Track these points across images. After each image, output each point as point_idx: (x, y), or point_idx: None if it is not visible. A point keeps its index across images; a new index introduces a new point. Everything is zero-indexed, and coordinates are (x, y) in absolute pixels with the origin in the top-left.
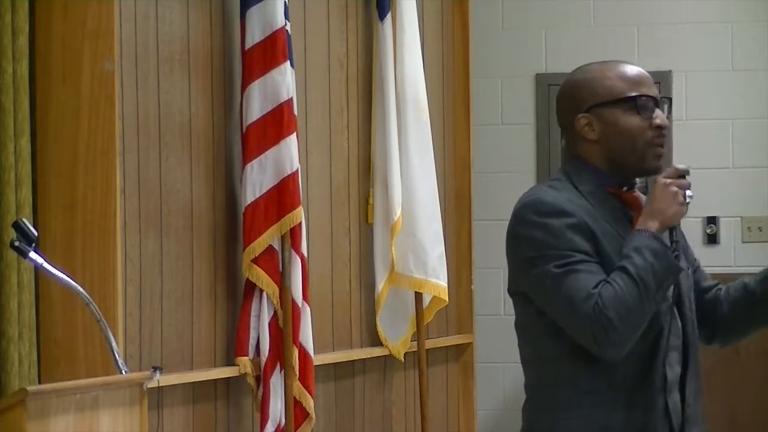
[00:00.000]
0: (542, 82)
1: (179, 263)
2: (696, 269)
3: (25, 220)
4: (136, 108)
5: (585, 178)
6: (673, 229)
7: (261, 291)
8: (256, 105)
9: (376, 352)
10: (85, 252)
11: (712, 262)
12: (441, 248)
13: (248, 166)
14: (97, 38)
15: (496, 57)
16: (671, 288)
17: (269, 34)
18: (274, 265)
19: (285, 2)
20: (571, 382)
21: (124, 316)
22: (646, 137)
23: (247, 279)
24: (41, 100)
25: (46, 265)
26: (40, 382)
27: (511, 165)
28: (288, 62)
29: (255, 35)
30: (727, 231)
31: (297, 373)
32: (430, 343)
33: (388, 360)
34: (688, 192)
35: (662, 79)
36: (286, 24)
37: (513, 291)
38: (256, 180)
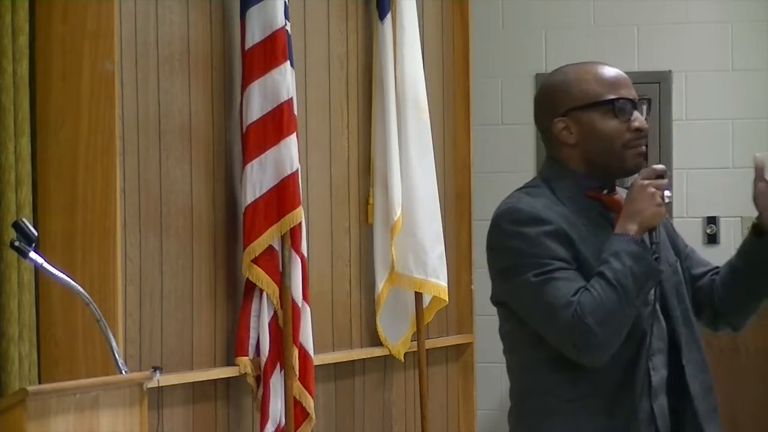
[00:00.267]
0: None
1: (179, 263)
2: (687, 257)
3: (25, 220)
4: (136, 108)
5: (564, 182)
6: (652, 230)
7: (261, 291)
8: (256, 105)
9: (376, 352)
10: (85, 252)
11: (712, 262)
12: (441, 248)
13: (248, 166)
14: (97, 38)
15: (496, 57)
16: (653, 290)
17: (269, 34)
18: (274, 265)
19: (285, 2)
20: (553, 389)
21: (124, 316)
22: (624, 140)
23: (247, 279)
24: (41, 100)
25: (46, 265)
26: (40, 382)
27: (511, 165)
28: (288, 62)
29: (255, 35)
30: (727, 231)
31: (297, 373)
32: (430, 343)
33: (388, 360)
34: (666, 192)
35: (662, 79)
36: (286, 24)
37: (495, 301)
38: (256, 180)
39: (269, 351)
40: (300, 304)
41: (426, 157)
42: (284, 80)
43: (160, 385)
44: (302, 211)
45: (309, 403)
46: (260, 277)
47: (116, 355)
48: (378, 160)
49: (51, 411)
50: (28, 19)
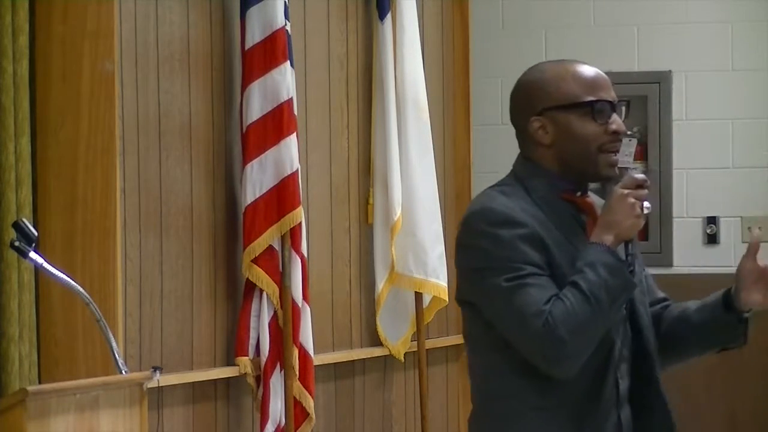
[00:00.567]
0: None
1: (179, 263)
2: (645, 277)
3: (25, 220)
4: (136, 108)
5: (537, 183)
6: (629, 241)
7: (261, 291)
8: (256, 105)
9: (376, 352)
10: (85, 252)
11: (712, 262)
12: (441, 248)
13: (248, 166)
14: (97, 38)
15: (496, 57)
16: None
17: (269, 34)
18: (274, 265)
19: (285, 2)
20: (519, 396)
21: (124, 316)
22: (600, 143)
23: (247, 279)
24: (41, 100)
25: (46, 265)
26: (40, 382)
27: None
28: (288, 62)
29: (255, 35)
30: (727, 231)
31: (297, 373)
32: (430, 343)
33: (388, 360)
34: (645, 204)
35: (662, 79)
36: (286, 24)
37: (460, 300)
38: (256, 180)
39: (269, 351)
40: (300, 304)
41: (426, 157)
42: (284, 80)
43: (160, 385)
44: (302, 211)
45: (309, 403)
46: (260, 277)
47: (116, 355)
48: (378, 160)
49: (51, 411)
50: (28, 19)
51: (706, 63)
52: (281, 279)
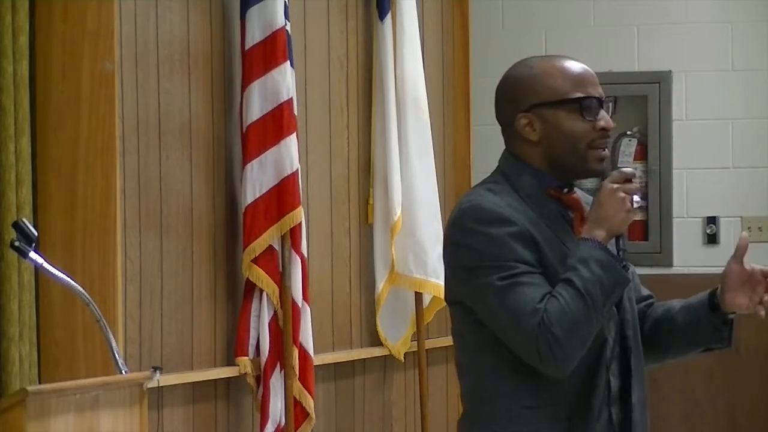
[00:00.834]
0: None
1: (179, 263)
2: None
3: (25, 220)
4: (136, 108)
5: (525, 180)
6: (619, 236)
7: (261, 291)
8: (256, 105)
9: (376, 352)
10: (85, 252)
11: (712, 262)
12: (441, 248)
13: (248, 165)
14: (97, 38)
15: (496, 57)
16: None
17: (269, 34)
18: (274, 265)
19: (285, 2)
20: (512, 395)
21: (124, 316)
22: (589, 139)
23: (247, 279)
24: (41, 100)
25: (46, 265)
26: (40, 382)
27: None
28: (288, 62)
29: (255, 35)
30: (727, 231)
31: (297, 373)
32: (430, 343)
33: (388, 360)
34: (635, 197)
35: (662, 79)
36: (286, 24)
37: (450, 299)
38: (256, 180)
39: (269, 351)
40: (300, 304)
41: (426, 157)
42: (284, 80)
43: (160, 385)
44: (302, 211)
45: (309, 403)
46: (260, 277)
47: (116, 355)
48: (378, 160)
49: (51, 411)
50: (28, 19)
51: (707, 63)
52: (281, 279)
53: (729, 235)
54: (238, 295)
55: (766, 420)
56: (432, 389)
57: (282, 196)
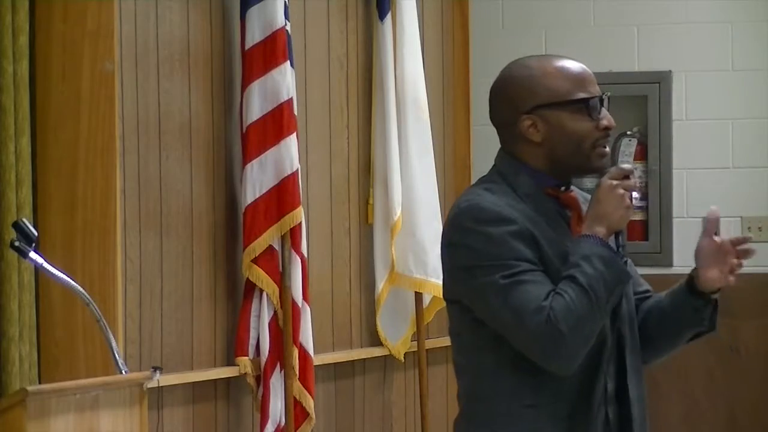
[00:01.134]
0: None
1: (179, 263)
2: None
3: (25, 220)
4: (136, 108)
5: (522, 179)
6: (618, 233)
7: (261, 291)
8: (256, 105)
9: (376, 352)
10: (85, 252)
11: None
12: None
13: (248, 165)
14: (97, 38)
15: (496, 57)
16: None
17: (269, 34)
18: (274, 265)
19: (285, 2)
20: (511, 394)
21: (124, 316)
22: (593, 139)
23: (247, 279)
24: (41, 100)
25: (46, 265)
26: (40, 382)
27: None
28: (288, 62)
29: (255, 35)
30: (727, 231)
31: (297, 373)
32: (430, 343)
33: (388, 360)
34: (634, 194)
35: (662, 79)
36: (286, 24)
37: (448, 299)
38: (256, 180)
39: (269, 351)
40: (300, 304)
41: (426, 157)
42: (284, 80)
43: (160, 385)
44: (302, 210)
45: (309, 403)
46: (260, 277)
47: (116, 355)
48: (378, 160)
49: (51, 411)
50: (28, 19)
51: (707, 63)
52: (281, 279)
53: (729, 235)
54: (238, 295)
55: (766, 420)
56: (432, 389)
57: (282, 196)
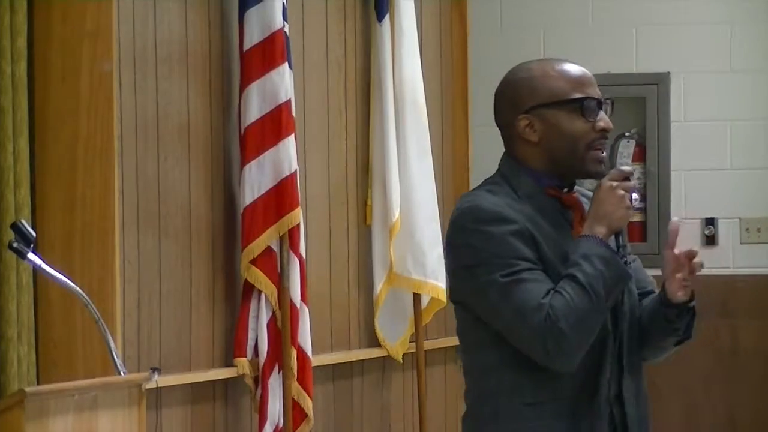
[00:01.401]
0: None
1: (178, 264)
2: (633, 261)
3: (23, 221)
4: (134, 109)
5: (523, 180)
6: (619, 233)
7: (259, 292)
8: (255, 106)
9: (375, 353)
10: (83, 253)
11: (710, 263)
12: (439, 249)
13: (247, 167)
14: (95, 39)
15: (494, 58)
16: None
17: (268, 35)
18: (273, 266)
19: (283, 4)
20: (514, 392)
21: (122, 317)
22: (589, 140)
23: (246, 280)
24: (40, 100)
25: (44, 266)
26: (38, 383)
27: None
28: (286, 63)
29: (253, 36)
30: (725, 232)
31: (295, 374)
32: (428, 344)
33: (387, 361)
34: (634, 195)
35: (660, 80)
36: (284, 25)
37: (453, 299)
38: (255, 181)
39: (267, 352)
40: (298, 305)
41: (424, 159)
42: (282, 81)
43: (159, 386)
44: (301, 212)
45: (307, 404)
46: (258, 278)
47: (115, 356)
48: (376, 162)
49: (49, 412)
50: (26, 20)
51: (705, 64)
52: (279, 280)
53: (727, 236)
54: (237, 296)
55: (765, 420)
56: (430, 390)
57: (280, 197)
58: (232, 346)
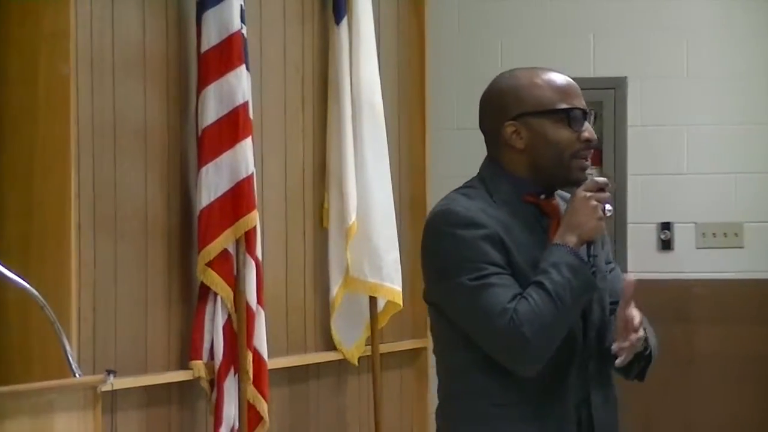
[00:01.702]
0: None
1: (134, 266)
2: (611, 270)
3: None
4: (91, 111)
5: (502, 186)
6: (591, 243)
7: (215, 295)
8: (212, 108)
9: (331, 356)
10: (40, 255)
11: (666, 268)
12: (396, 253)
13: (203, 169)
14: (53, 42)
15: (452, 61)
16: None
17: (225, 37)
18: (229, 268)
19: (241, 5)
20: (482, 393)
21: (78, 319)
22: (573, 149)
23: (202, 282)
24: None
25: (0, 268)
26: None
27: (467, 170)
28: (244, 66)
29: (211, 38)
30: (681, 237)
31: (251, 377)
32: (384, 348)
33: (343, 364)
34: (607, 206)
35: (617, 85)
36: (242, 27)
37: (426, 300)
38: (212, 183)
39: (223, 355)
40: (254, 308)
41: (381, 162)
42: (240, 84)
43: (114, 388)
44: (257, 214)
45: (263, 407)
46: (215, 280)
47: (70, 359)
48: (333, 165)
49: (5, 414)
50: None
51: (662, 69)
52: (236, 283)
53: (683, 241)
54: (193, 299)
55: (721, 427)
56: (386, 394)
57: (237, 199)
58: (188, 348)
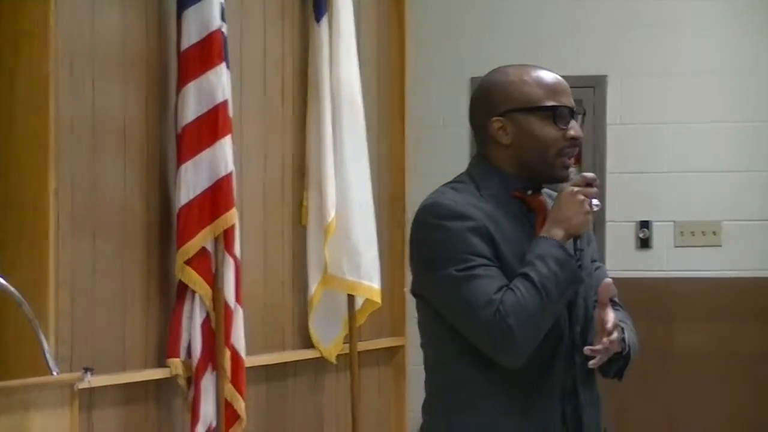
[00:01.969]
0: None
1: (112, 264)
2: (597, 269)
3: None
4: (71, 109)
5: (490, 181)
6: (577, 237)
7: (194, 292)
8: (191, 106)
9: (309, 354)
10: (18, 252)
11: (644, 266)
12: (375, 251)
13: (182, 167)
14: (32, 39)
15: (432, 59)
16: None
17: (205, 35)
18: (207, 266)
19: (222, 3)
20: (468, 384)
21: (56, 317)
22: (559, 147)
23: (180, 280)
24: None
25: None
26: None
27: (447, 168)
28: (224, 63)
29: (191, 36)
30: (659, 235)
31: (229, 374)
32: (362, 346)
33: (320, 362)
34: (594, 201)
35: (597, 83)
36: (222, 25)
37: (414, 292)
38: (191, 181)
39: (201, 353)
40: (233, 306)
41: (361, 160)
42: (220, 82)
43: (92, 386)
44: (236, 212)
45: (240, 405)
46: (193, 278)
47: (47, 356)
48: (312, 162)
49: None
50: None
51: (641, 68)
52: (214, 281)
53: (662, 239)
54: (171, 297)
55: (700, 423)
56: (364, 391)
57: (216, 197)
58: (165, 346)
